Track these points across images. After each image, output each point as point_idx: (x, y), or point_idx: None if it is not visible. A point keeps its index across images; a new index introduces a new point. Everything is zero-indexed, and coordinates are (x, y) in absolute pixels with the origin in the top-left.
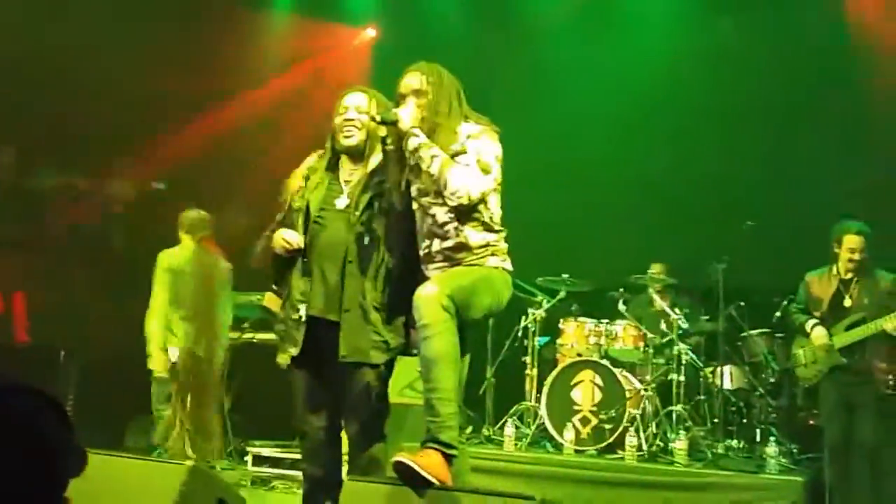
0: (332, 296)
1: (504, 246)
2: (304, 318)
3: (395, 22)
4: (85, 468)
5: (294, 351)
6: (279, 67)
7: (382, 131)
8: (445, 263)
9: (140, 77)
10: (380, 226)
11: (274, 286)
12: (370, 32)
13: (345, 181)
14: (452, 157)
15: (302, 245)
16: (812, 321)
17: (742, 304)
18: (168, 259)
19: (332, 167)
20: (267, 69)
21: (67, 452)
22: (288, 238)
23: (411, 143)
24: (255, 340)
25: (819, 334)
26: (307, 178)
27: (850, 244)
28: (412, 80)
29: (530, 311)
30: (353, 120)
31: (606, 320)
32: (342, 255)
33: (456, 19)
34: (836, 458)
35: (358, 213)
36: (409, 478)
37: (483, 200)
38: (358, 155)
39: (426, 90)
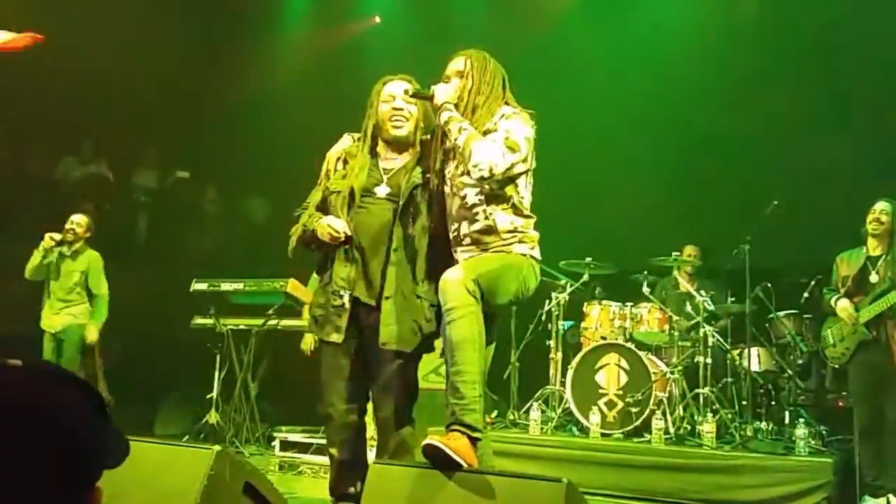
0: (373, 281)
1: (534, 234)
2: (347, 305)
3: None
4: (124, 459)
5: (337, 337)
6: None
7: (426, 121)
8: (473, 247)
9: (163, 68)
10: (421, 214)
11: (316, 273)
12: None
13: (384, 169)
14: (484, 133)
15: (350, 233)
16: (836, 296)
17: (769, 285)
18: None
19: (373, 153)
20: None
21: (99, 445)
22: (335, 226)
23: (442, 118)
24: (279, 327)
25: (844, 305)
26: (345, 162)
27: (876, 211)
28: (457, 63)
29: (554, 294)
30: (402, 110)
31: (631, 303)
32: (383, 241)
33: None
34: (867, 438)
35: (402, 202)
36: (438, 460)
37: (513, 182)
38: (402, 144)
39: (469, 73)
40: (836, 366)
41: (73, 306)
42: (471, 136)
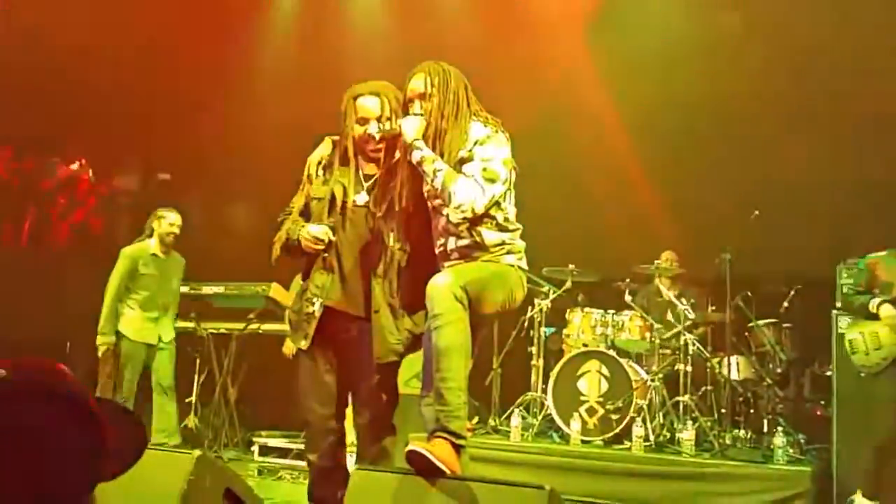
0: (353, 291)
1: (520, 244)
2: (317, 313)
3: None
4: (123, 470)
5: (304, 344)
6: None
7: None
8: (462, 261)
9: (145, 70)
10: (401, 223)
11: (301, 279)
12: None
13: (364, 175)
14: (460, 162)
15: (332, 238)
16: (878, 300)
17: (749, 293)
18: None
19: (347, 162)
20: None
21: (86, 463)
22: (318, 234)
23: (414, 157)
24: (260, 331)
25: (890, 312)
26: (325, 168)
27: None
28: (417, 83)
29: (536, 301)
30: (376, 139)
31: (613, 311)
32: (364, 250)
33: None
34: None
35: (381, 212)
36: (421, 467)
37: (496, 203)
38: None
39: (431, 93)
40: (864, 374)
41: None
42: (447, 178)
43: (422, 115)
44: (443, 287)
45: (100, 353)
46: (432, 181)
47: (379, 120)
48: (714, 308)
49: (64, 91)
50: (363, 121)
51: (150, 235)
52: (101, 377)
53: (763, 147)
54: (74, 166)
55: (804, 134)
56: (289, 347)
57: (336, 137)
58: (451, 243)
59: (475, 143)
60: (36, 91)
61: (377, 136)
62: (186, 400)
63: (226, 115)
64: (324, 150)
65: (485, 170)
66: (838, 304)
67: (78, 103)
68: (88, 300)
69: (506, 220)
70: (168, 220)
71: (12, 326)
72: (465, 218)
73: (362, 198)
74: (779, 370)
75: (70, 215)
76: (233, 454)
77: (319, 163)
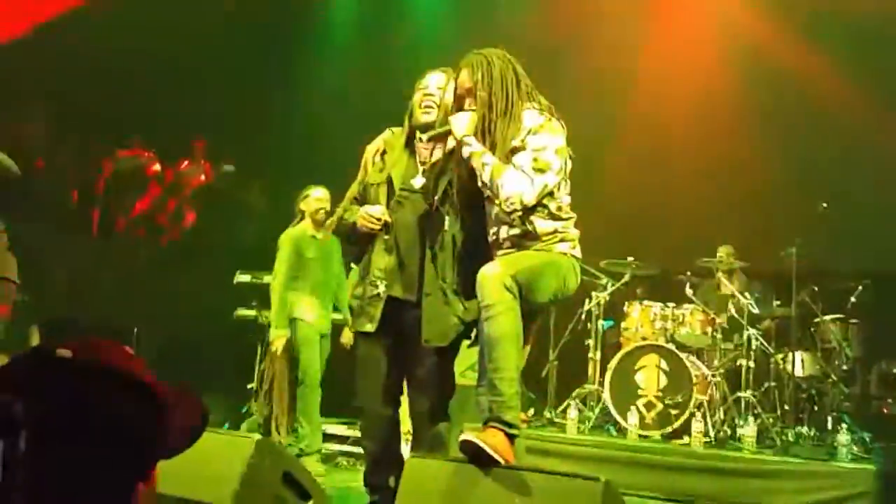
0: (410, 276)
1: (574, 232)
2: (382, 295)
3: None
4: (182, 449)
5: (370, 327)
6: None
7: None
8: (514, 249)
9: (214, 62)
10: (457, 208)
11: (353, 264)
12: None
13: (421, 161)
14: (512, 151)
15: (389, 219)
16: None
17: (815, 288)
18: None
19: (409, 144)
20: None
21: (145, 442)
22: (375, 213)
23: (464, 152)
24: None
25: None
26: (384, 153)
27: None
28: (463, 78)
29: (594, 293)
30: (432, 96)
31: (673, 304)
32: (420, 235)
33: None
34: None
35: (438, 196)
36: (476, 456)
37: (549, 193)
38: (438, 135)
39: (476, 87)
40: None
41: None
42: (495, 171)
43: (473, 110)
44: (492, 277)
45: (275, 349)
46: (481, 176)
47: (440, 89)
48: (779, 303)
49: (129, 83)
50: (424, 87)
51: (303, 218)
52: (276, 374)
53: (835, 139)
54: (142, 158)
55: (875, 125)
56: (346, 336)
57: (397, 129)
58: (504, 232)
59: (528, 133)
60: (103, 81)
61: (426, 138)
62: (248, 386)
63: (290, 105)
64: (383, 138)
65: (535, 160)
66: None
67: (144, 95)
68: (154, 288)
69: (559, 208)
70: (315, 196)
71: (83, 312)
72: (515, 210)
73: (419, 181)
74: (844, 367)
75: (136, 205)
76: (292, 440)
77: (378, 150)
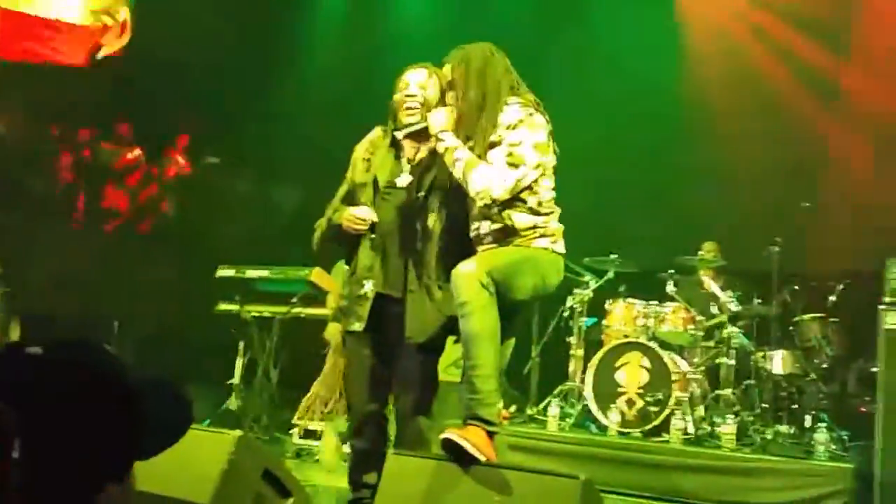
0: (395, 272)
1: (555, 227)
2: (369, 294)
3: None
4: (164, 448)
5: (359, 326)
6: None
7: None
8: (494, 245)
9: (201, 53)
10: (442, 205)
11: (346, 264)
12: None
13: (407, 159)
14: (490, 146)
15: (375, 219)
16: None
17: (796, 287)
18: None
19: (394, 144)
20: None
21: (123, 441)
22: (360, 214)
23: (438, 147)
24: (302, 315)
25: None
26: (371, 154)
27: None
28: (445, 73)
29: (576, 291)
30: (414, 96)
31: (655, 302)
32: (405, 232)
33: None
34: None
35: (422, 193)
36: (456, 454)
37: (528, 187)
38: (421, 133)
39: (455, 82)
40: None
41: None
42: (467, 166)
43: (451, 105)
44: (467, 274)
45: (334, 345)
46: (454, 171)
47: (422, 87)
48: (760, 301)
49: (114, 73)
50: (405, 86)
51: None
52: (335, 370)
53: (815, 140)
54: (128, 150)
55: (855, 127)
56: (329, 332)
57: (384, 127)
58: (485, 227)
59: (506, 128)
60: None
61: (402, 135)
62: (229, 382)
63: (275, 98)
64: (371, 138)
65: (510, 154)
66: (886, 299)
67: (128, 85)
68: (137, 281)
69: (539, 203)
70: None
71: (64, 305)
72: (487, 205)
73: (404, 179)
74: (824, 365)
75: (120, 197)
76: (272, 436)
77: (365, 150)
